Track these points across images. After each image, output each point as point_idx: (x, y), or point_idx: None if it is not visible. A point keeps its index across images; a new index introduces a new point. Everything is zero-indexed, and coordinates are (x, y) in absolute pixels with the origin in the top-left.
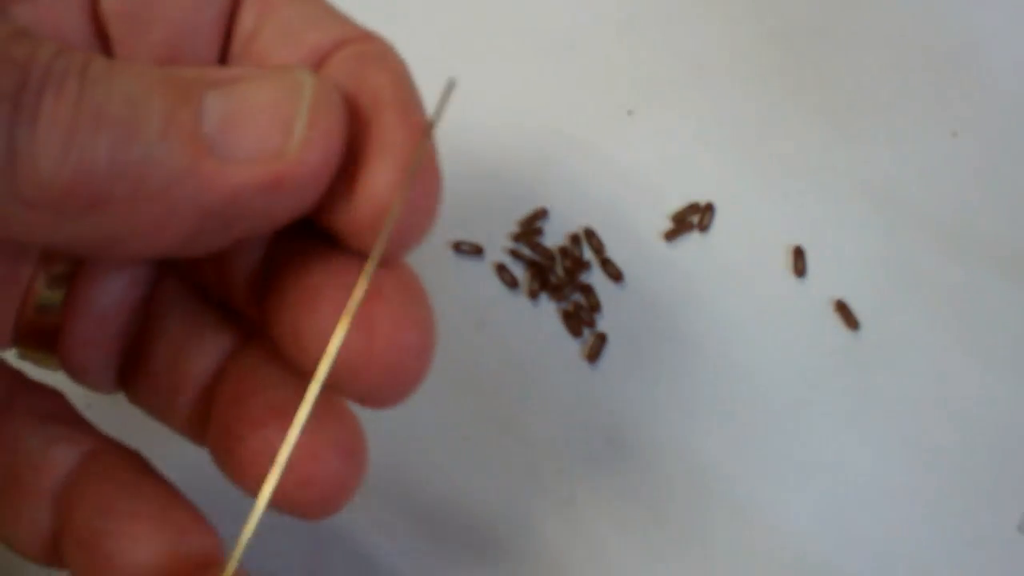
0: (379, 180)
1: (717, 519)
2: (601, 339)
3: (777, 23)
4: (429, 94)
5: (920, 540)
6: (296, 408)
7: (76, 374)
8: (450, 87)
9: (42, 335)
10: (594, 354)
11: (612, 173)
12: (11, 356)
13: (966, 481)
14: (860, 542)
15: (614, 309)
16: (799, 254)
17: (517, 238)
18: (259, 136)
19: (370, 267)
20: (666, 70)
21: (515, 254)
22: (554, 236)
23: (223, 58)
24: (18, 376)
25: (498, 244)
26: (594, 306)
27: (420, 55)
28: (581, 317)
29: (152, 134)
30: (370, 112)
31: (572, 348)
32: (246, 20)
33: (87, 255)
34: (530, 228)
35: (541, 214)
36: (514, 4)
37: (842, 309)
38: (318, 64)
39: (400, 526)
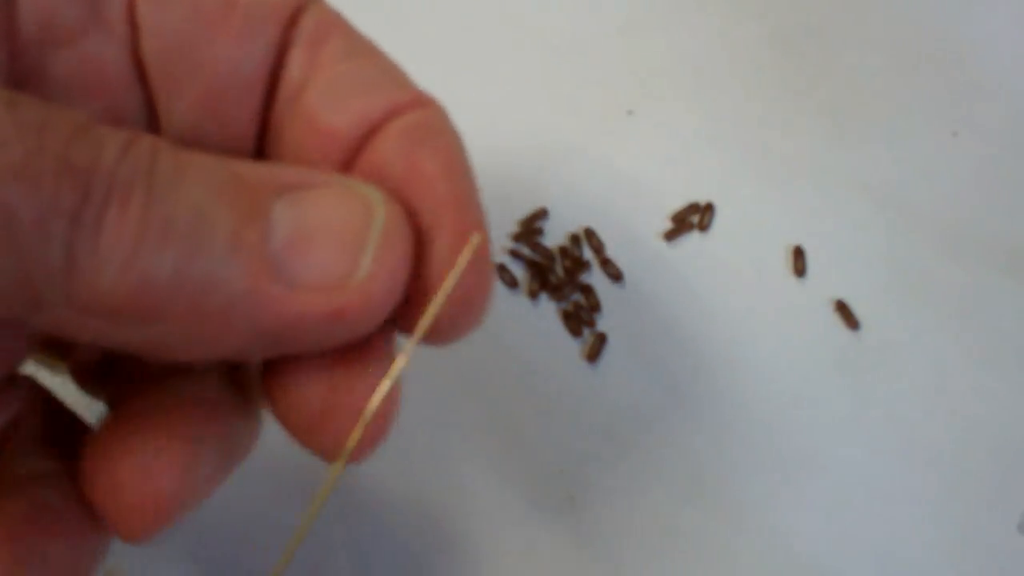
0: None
1: (717, 518)
2: (601, 339)
3: (777, 24)
4: (430, 90)
5: (920, 540)
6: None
7: (82, 382)
8: (472, 245)
9: (56, 341)
10: (594, 354)
11: (612, 173)
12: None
13: (966, 481)
14: (860, 542)
15: (614, 309)
16: (799, 254)
17: (517, 238)
18: (325, 262)
19: (395, 370)
20: (666, 70)
21: (515, 254)
22: (554, 236)
23: (268, 104)
24: (41, 396)
25: (498, 244)
26: (594, 306)
27: (420, 55)
28: (581, 317)
29: (218, 251)
30: (422, 204)
31: (572, 348)
32: (294, 69)
33: (135, 355)
34: (530, 228)
35: (541, 214)
36: (515, 4)
37: (842, 309)
38: (369, 133)
39: (400, 525)
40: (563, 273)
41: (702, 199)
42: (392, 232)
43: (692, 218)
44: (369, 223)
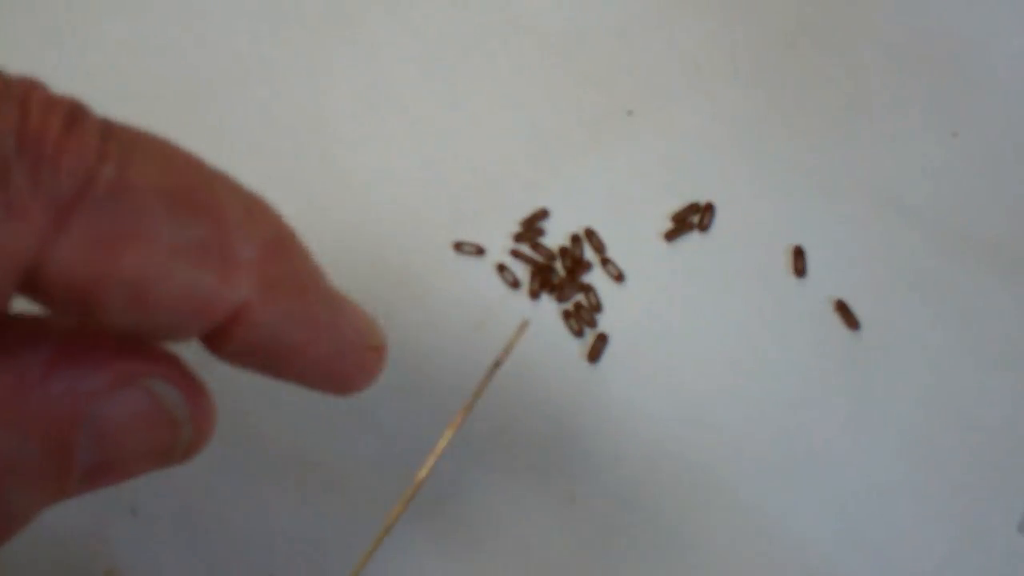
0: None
1: (717, 518)
2: (602, 339)
3: (777, 23)
4: (431, 91)
5: (920, 540)
6: None
7: None
8: (522, 327)
9: None
10: (595, 354)
11: (612, 173)
12: None
13: (966, 481)
14: (860, 542)
15: (615, 309)
16: (799, 254)
17: (518, 238)
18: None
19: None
20: (666, 70)
21: (516, 254)
22: (555, 236)
23: None
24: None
25: (499, 244)
26: (595, 306)
27: (421, 56)
28: (582, 317)
29: None
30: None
31: (572, 348)
32: None
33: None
34: (531, 228)
35: (542, 214)
36: (515, 4)
37: (842, 309)
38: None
39: (399, 525)
40: (564, 273)
41: (702, 199)
42: None
43: (692, 218)
44: None
